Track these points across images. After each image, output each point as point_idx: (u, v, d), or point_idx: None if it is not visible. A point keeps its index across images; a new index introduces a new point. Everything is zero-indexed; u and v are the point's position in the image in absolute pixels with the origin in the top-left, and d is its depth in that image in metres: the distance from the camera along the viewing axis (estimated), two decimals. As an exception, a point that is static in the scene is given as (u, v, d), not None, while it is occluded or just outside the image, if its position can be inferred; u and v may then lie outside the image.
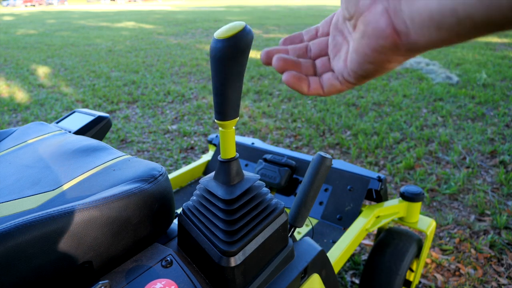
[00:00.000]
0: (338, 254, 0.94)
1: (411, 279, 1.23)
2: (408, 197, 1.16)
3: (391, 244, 1.15)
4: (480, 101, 3.20)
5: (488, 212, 1.72)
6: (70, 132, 0.90)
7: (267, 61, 0.35)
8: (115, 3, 41.49)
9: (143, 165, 0.63)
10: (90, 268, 0.50)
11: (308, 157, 1.27)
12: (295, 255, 0.64)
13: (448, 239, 1.57)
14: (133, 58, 5.63)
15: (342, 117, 2.92)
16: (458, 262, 1.44)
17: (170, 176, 1.32)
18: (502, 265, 1.42)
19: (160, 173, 0.61)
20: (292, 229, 0.67)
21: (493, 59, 4.80)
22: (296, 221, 0.67)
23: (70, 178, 0.62)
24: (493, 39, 6.79)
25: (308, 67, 0.35)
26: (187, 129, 2.77)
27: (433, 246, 1.53)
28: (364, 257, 1.49)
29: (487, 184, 1.95)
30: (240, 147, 1.40)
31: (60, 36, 8.55)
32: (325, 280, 0.69)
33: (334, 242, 1.05)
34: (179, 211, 0.97)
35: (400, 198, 1.18)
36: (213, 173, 0.56)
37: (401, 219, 1.20)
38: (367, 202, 1.73)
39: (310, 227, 1.12)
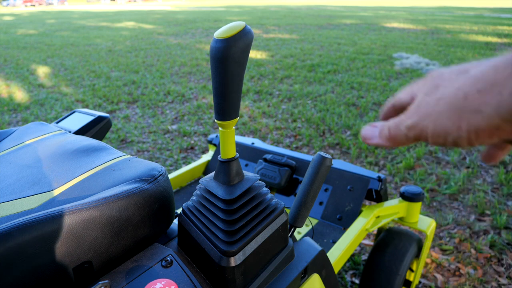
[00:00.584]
0: (338, 254, 0.94)
1: (411, 279, 1.23)
2: (408, 197, 1.16)
3: (391, 244, 1.15)
4: (480, 101, 3.20)
5: (488, 212, 1.72)
6: (70, 132, 0.90)
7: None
8: (115, 3, 41.48)
9: (143, 165, 0.63)
10: (90, 268, 0.50)
11: (308, 157, 1.27)
12: (295, 255, 0.64)
13: (448, 239, 1.57)
14: (133, 58, 5.62)
15: (342, 117, 2.92)
16: (458, 262, 1.44)
17: (170, 176, 1.32)
18: (502, 265, 1.42)
19: (160, 173, 0.60)
20: (292, 229, 0.67)
21: (493, 59, 4.79)
22: (296, 221, 0.67)
23: (70, 178, 0.62)
24: (493, 39, 6.79)
25: None
26: (187, 129, 2.77)
27: (433, 246, 1.53)
28: (364, 257, 1.49)
29: (487, 184, 1.95)
30: (240, 147, 1.40)
31: (60, 36, 8.55)
32: (325, 280, 0.69)
33: (334, 242, 1.05)
34: (179, 211, 0.97)
35: (400, 198, 1.18)
36: (213, 173, 0.56)
37: (401, 219, 1.20)
38: (367, 202, 1.73)
39: (310, 227, 1.12)
